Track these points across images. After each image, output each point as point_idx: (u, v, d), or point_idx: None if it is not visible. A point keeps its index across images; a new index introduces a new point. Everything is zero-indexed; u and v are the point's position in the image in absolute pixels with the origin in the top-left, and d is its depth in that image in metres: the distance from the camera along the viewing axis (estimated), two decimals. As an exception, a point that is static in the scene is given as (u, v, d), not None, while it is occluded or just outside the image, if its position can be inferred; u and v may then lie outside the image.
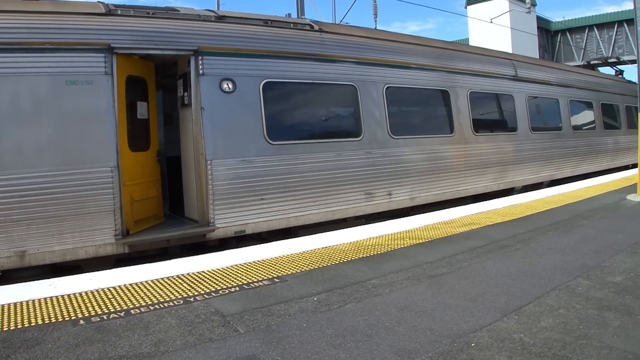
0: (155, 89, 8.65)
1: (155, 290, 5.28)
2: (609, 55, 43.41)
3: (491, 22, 27.92)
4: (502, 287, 5.42)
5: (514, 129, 14.13)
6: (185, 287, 5.38)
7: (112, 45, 7.46)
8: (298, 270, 6.03)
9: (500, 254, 6.82)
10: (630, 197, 11.65)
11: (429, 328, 4.31)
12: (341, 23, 19.04)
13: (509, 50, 32.29)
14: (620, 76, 23.89)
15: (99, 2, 8.07)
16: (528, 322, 4.42)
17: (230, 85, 8.40)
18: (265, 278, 5.72)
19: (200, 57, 8.16)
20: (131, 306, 4.79)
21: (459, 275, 5.88)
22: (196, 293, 5.18)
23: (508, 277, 5.74)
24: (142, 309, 4.71)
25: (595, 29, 61.70)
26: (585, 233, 8.05)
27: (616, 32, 59.95)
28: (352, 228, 8.76)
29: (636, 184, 12.06)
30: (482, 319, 4.51)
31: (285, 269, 6.08)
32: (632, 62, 14.77)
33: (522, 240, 7.60)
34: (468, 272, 6.00)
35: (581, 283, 5.54)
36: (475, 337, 4.12)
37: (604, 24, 60.97)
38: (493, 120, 14.30)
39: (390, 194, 10.36)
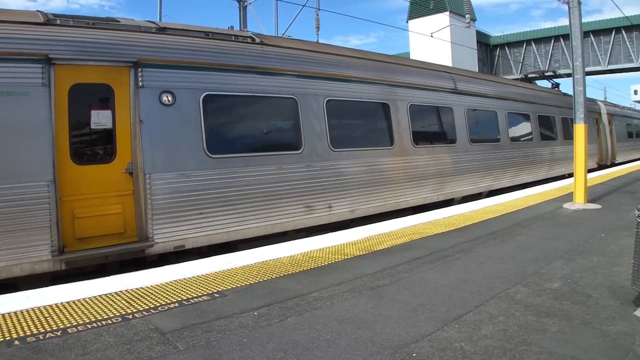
0: (135, 95, 8.18)
1: (93, 308, 5.17)
2: (546, 69, 44.99)
3: (431, 36, 28.50)
4: (442, 296, 5.55)
5: (453, 141, 14.45)
6: (123, 304, 5.29)
7: (50, 55, 7.27)
8: (238, 285, 6.02)
9: (441, 264, 6.97)
10: (567, 205, 12.11)
11: (370, 340, 4.37)
12: (283, 36, 19.08)
13: (449, 64, 33.10)
14: (556, 89, 24.74)
15: (37, 11, 7.87)
16: (468, 331, 4.54)
17: (169, 98, 8.31)
18: (205, 293, 5.68)
19: (139, 69, 8.05)
20: (68, 325, 4.68)
21: (400, 286, 5.98)
22: (135, 310, 5.10)
23: (448, 287, 5.88)
24: (79, 328, 4.61)
25: (533, 44, 64.06)
26: (524, 241, 8.32)
27: (553, 46, 62.41)
28: (293, 241, 8.78)
29: (572, 192, 12.53)
30: (423, 329, 4.62)
31: (226, 284, 6.05)
32: (568, 75, 15.32)
33: (461, 250, 7.78)
34: (409, 282, 6.11)
35: (520, 290, 5.73)
36: (417, 347, 4.21)
37: (541, 39, 63.43)
38: (433, 132, 14.57)
39: (330, 207, 10.42)
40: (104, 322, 4.75)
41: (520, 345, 4.22)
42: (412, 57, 48.84)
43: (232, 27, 11.51)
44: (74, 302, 5.39)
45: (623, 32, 57.59)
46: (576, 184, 12.41)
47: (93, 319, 4.83)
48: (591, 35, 58.49)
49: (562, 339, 4.35)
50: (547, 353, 4.06)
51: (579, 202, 12.20)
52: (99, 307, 5.19)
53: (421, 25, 49.95)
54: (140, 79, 8.03)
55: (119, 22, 8.62)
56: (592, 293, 5.59)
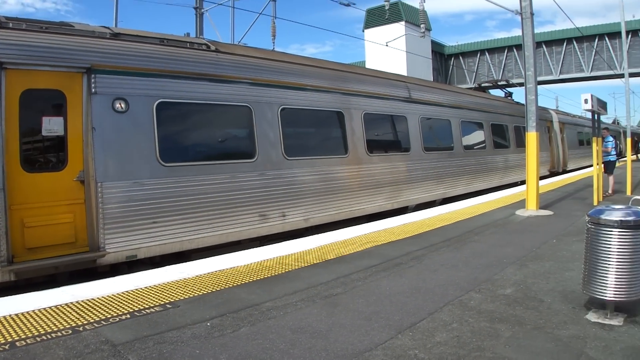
0: (87, 101, 8.00)
1: (43, 320, 5.09)
2: (499, 78, 45.93)
3: (387, 45, 28.78)
4: (396, 304, 5.63)
5: (407, 149, 14.64)
6: (74, 316, 5.22)
7: (1, 60, 7.10)
8: (191, 295, 5.99)
9: (394, 272, 7.07)
10: (519, 212, 12.42)
11: (324, 349, 4.42)
12: (239, 44, 19.04)
13: (404, 73, 33.39)
14: (509, 98, 25.30)
15: None
16: (422, 338, 4.63)
17: (123, 105, 8.22)
18: (158, 304, 5.64)
19: (92, 75, 7.94)
20: (17, 338, 4.59)
21: (354, 294, 6.05)
22: (85, 322, 5.03)
23: (402, 295, 5.97)
24: (28, 341, 4.52)
25: (487, 54, 65.51)
26: (477, 248, 8.51)
27: (506, 56, 63.98)
28: (246, 250, 8.76)
29: (524, 199, 12.84)
30: (377, 337, 4.68)
31: (178, 294, 6.02)
32: (520, 84, 15.70)
33: (415, 257, 7.91)
34: (363, 291, 6.19)
35: (473, 297, 5.86)
36: (371, 355, 4.28)
37: (495, 49, 64.94)
38: (387, 140, 14.76)
39: (284, 215, 10.44)
40: (53, 335, 4.67)
41: (474, 351, 4.32)
42: (367, 66, 49.19)
43: (188, 34, 11.46)
44: (22, 314, 5.28)
45: (574, 42, 59.38)
46: (528, 191, 12.74)
47: (43, 332, 4.75)
48: (543, 46, 60.13)
49: (515, 344, 4.47)
50: (500, 358, 4.17)
51: (532, 209, 12.52)
52: (49, 319, 5.11)
53: (377, 35, 50.49)
54: (93, 85, 7.92)
55: (73, 26, 8.49)
56: (545, 298, 5.76)
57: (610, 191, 16.71)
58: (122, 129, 8.22)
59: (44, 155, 7.83)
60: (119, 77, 8.26)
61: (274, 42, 23.42)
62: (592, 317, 5.10)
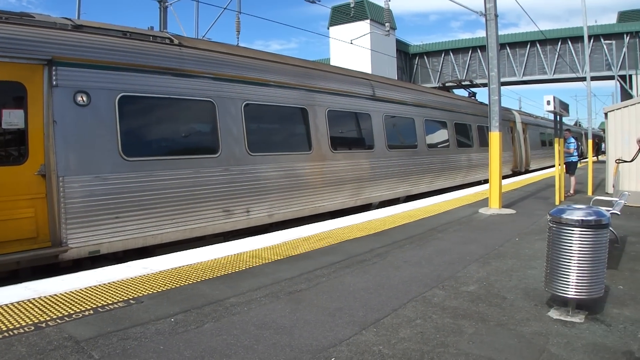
0: (49, 94, 7.85)
1: (4, 317, 5.01)
2: (463, 78, 46.40)
3: (351, 43, 28.83)
4: (360, 300, 5.69)
5: (371, 147, 14.73)
6: (36, 312, 5.15)
7: None
8: (155, 291, 5.97)
9: (358, 268, 7.13)
10: (482, 210, 12.62)
11: (289, 345, 4.45)
12: (204, 38, 18.89)
13: (369, 71, 33.54)
14: (473, 98, 25.64)
15: None
16: (386, 334, 4.69)
17: (84, 98, 8.11)
18: (121, 300, 5.61)
19: (54, 68, 7.81)
20: (-24, 335, 4.51)
21: (318, 290, 6.10)
22: (48, 318, 4.98)
23: (366, 291, 6.03)
24: (-12, 337, 4.45)
25: (451, 54, 66.40)
26: (440, 246, 8.62)
27: (470, 57, 64.94)
28: (210, 246, 8.76)
29: (488, 198, 13.03)
30: (341, 333, 4.73)
31: (142, 290, 5.99)
32: (484, 85, 15.94)
33: (379, 254, 7.98)
34: (326, 287, 6.24)
35: (437, 293, 5.95)
36: (335, 351, 4.32)
37: (459, 49, 65.87)
38: (351, 138, 14.84)
39: (248, 211, 10.43)
40: (15, 332, 4.61)
41: (438, 347, 4.40)
42: (332, 63, 49.34)
43: (152, 28, 11.32)
44: (-18, 310, 5.19)
45: (538, 45, 60.61)
46: (491, 190, 12.97)
47: (4, 328, 4.69)
48: (507, 47, 61.19)
49: (478, 340, 4.56)
50: (464, 354, 4.25)
51: (494, 207, 12.75)
52: (10, 316, 5.04)
53: (342, 32, 50.49)
54: (54, 77, 7.79)
55: (34, 17, 8.35)
56: (507, 295, 5.89)
57: (571, 191, 17.10)
58: (84, 123, 8.10)
59: (4, 148, 7.67)
60: (80, 69, 8.14)
61: (238, 38, 23.28)
62: (554, 314, 5.23)
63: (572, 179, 17.52)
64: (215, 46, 11.24)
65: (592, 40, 52.75)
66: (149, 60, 9.11)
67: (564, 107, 14.90)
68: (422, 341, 4.53)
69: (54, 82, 7.79)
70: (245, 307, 5.45)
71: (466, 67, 65.02)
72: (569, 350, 4.35)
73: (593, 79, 45.05)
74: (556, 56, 59.61)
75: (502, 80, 14.27)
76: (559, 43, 59.12)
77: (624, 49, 56.14)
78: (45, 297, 5.69)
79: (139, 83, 8.88)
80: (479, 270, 6.99)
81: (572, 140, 17.65)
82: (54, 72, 7.81)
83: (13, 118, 7.54)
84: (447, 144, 19.86)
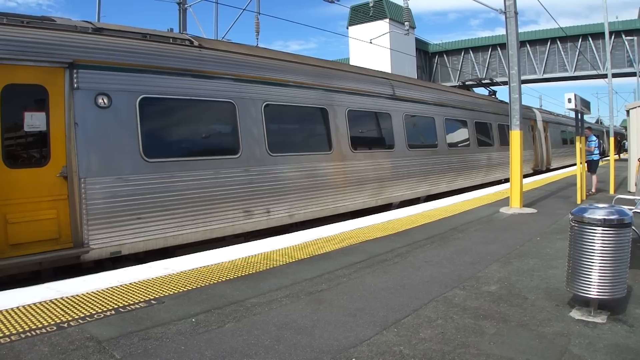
0: (70, 96, 7.92)
1: (27, 317, 5.05)
2: (483, 77, 46.08)
3: (371, 42, 28.77)
4: (381, 301, 5.65)
5: (391, 146, 14.66)
6: (58, 312, 5.19)
7: None
8: (176, 291, 5.98)
9: (379, 268, 7.09)
10: (503, 210, 12.51)
11: (309, 345, 4.42)
12: (223, 39, 18.96)
13: (388, 71, 33.40)
14: (493, 96, 25.42)
15: None
16: (407, 334, 4.65)
17: (105, 101, 8.17)
18: (142, 300, 5.62)
19: (75, 71, 7.88)
20: (0, 335, 4.55)
21: (338, 291, 6.06)
22: (70, 318, 5.01)
23: (386, 291, 5.99)
24: (12, 337, 4.49)
25: (471, 52, 65.86)
26: (461, 245, 8.55)
27: (490, 55, 64.38)
28: (231, 246, 8.76)
29: (508, 197, 12.92)
30: (362, 333, 4.70)
31: (163, 290, 6.01)
32: (504, 83, 15.83)
33: (400, 254, 7.93)
34: (347, 287, 6.20)
35: (458, 294, 5.89)
36: (356, 351, 4.29)
37: (479, 48, 65.30)
38: (371, 137, 14.79)
39: (269, 212, 10.43)
40: (38, 332, 4.64)
41: (459, 347, 4.35)
42: (351, 63, 49.19)
43: (171, 30, 11.38)
44: (7, 310, 5.24)
45: (558, 42, 59.86)
46: (512, 189, 12.83)
47: (27, 328, 4.72)
48: (527, 45, 60.55)
49: (499, 341, 4.50)
50: (484, 355, 4.20)
51: (515, 207, 12.62)
52: (33, 316, 5.07)
53: (361, 32, 50.34)
54: (75, 80, 7.86)
55: (55, 21, 8.43)
56: (529, 295, 5.81)
57: (593, 190, 16.88)
58: (105, 125, 8.17)
59: (27, 150, 7.76)
60: (101, 72, 8.21)
61: (257, 39, 23.37)
62: (575, 314, 5.15)
63: (594, 177, 17.29)
64: (235, 47, 11.27)
65: (613, 37, 51.98)
66: (169, 62, 9.16)
67: (585, 104, 14.71)
68: (442, 341, 4.49)
69: (75, 85, 7.86)
70: (266, 308, 5.44)
71: (486, 66, 64.51)
72: (591, 351, 4.28)
73: (614, 75, 44.41)
74: (577, 53, 58.90)
75: (523, 78, 14.15)
76: (580, 40, 58.38)
77: (646, 45, 55.36)
78: (67, 297, 5.72)
79: (159, 85, 8.93)
80: (500, 270, 6.92)
81: (594, 138, 17.41)
82: (75, 75, 7.88)
83: (35, 121, 7.62)
84: (468, 143, 19.70)
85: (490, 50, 64.63)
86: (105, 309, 5.30)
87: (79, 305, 5.42)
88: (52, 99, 7.74)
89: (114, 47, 8.51)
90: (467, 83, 30.80)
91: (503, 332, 4.70)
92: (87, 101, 7.98)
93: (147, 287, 6.14)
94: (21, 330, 4.68)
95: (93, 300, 5.62)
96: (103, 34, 8.62)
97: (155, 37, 9.43)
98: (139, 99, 8.57)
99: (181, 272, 6.92)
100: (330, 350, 4.31)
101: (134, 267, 7.37)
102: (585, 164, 16.17)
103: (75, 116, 7.82)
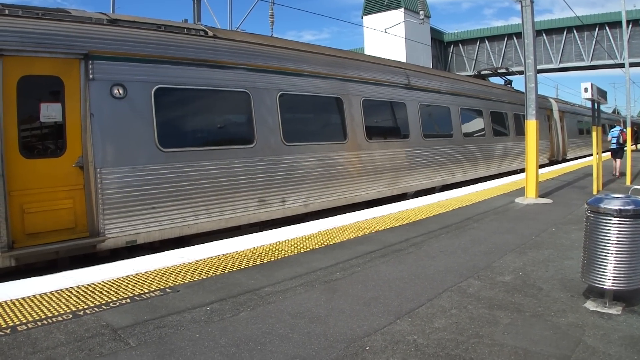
0: (85, 87, 7.97)
1: (44, 305, 5.10)
2: (499, 66, 45.75)
3: (385, 32, 28.66)
4: (395, 290, 5.64)
5: (406, 136, 14.60)
6: (74, 301, 5.23)
7: None
8: (191, 280, 6.01)
9: (393, 257, 7.07)
10: (518, 200, 12.43)
11: (323, 334, 4.43)
12: (237, 30, 18.95)
13: (403, 60, 33.26)
14: (509, 86, 25.22)
15: None
16: (421, 324, 4.64)
17: (121, 91, 8.20)
18: (157, 288, 5.66)
19: (90, 62, 7.91)
20: (17, 322, 4.61)
21: (353, 280, 6.06)
22: (86, 306, 5.05)
23: (401, 281, 5.98)
24: (29, 325, 4.54)
25: (487, 41, 65.41)
26: (476, 235, 8.50)
27: (506, 44, 63.91)
28: (246, 235, 8.78)
29: (524, 187, 12.83)
30: (376, 322, 4.70)
31: (178, 279, 6.04)
32: (520, 72, 15.71)
33: (414, 244, 7.91)
34: (362, 276, 6.20)
35: (472, 284, 5.86)
36: (370, 340, 4.29)
37: (495, 37, 64.84)
38: (386, 127, 14.71)
39: (284, 201, 10.44)
40: (54, 319, 4.69)
41: (473, 337, 4.34)
42: (366, 52, 49.05)
43: (185, 20, 11.39)
44: (23, 299, 5.30)
45: (575, 31, 59.25)
46: (528, 179, 12.74)
47: (43, 316, 4.77)
48: (543, 34, 59.99)
49: (513, 331, 4.48)
50: (499, 345, 4.18)
51: (531, 197, 12.53)
52: (49, 304, 5.13)
53: (376, 21, 50.21)
54: (91, 71, 7.90)
55: (70, 13, 8.47)
56: (543, 286, 5.77)
57: (616, 173, 16.96)
58: (121, 115, 8.21)
59: (43, 141, 7.82)
60: (116, 63, 8.24)
61: (272, 29, 23.34)
62: (590, 305, 5.11)
63: (618, 161, 17.37)
64: (250, 37, 11.26)
65: (630, 25, 51.37)
66: (184, 52, 9.17)
67: (602, 94, 14.55)
68: (456, 331, 4.47)
69: (91, 76, 7.90)
70: (281, 296, 5.45)
71: (502, 55, 64.03)
72: (606, 342, 4.24)
73: (632, 65, 43.88)
74: (593, 42, 58.21)
75: (539, 67, 14.03)
76: (596, 29, 57.68)
77: (664, 34, 54.65)
78: (83, 285, 5.77)
79: (174, 75, 8.95)
80: (515, 261, 6.88)
81: (617, 128, 17.51)
82: (90, 66, 7.91)
83: (51, 111, 7.67)
84: (483, 132, 19.55)
85: (505, 39, 64.16)
86: (120, 297, 5.34)
87: (95, 294, 5.46)
88: (67, 90, 7.78)
89: (129, 38, 8.53)
90: (482, 72, 30.57)
91: (517, 323, 4.68)
92: (102, 92, 8.02)
93: (163, 276, 6.17)
94: (37, 318, 4.73)
95: (109, 288, 5.67)
96: (118, 25, 8.65)
97: (169, 27, 9.45)
98: (154, 90, 8.60)
99: (196, 260, 6.95)
100: (344, 339, 4.32)
101: (149, 255, 7.41)
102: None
103: (91, 107, 7.87)
